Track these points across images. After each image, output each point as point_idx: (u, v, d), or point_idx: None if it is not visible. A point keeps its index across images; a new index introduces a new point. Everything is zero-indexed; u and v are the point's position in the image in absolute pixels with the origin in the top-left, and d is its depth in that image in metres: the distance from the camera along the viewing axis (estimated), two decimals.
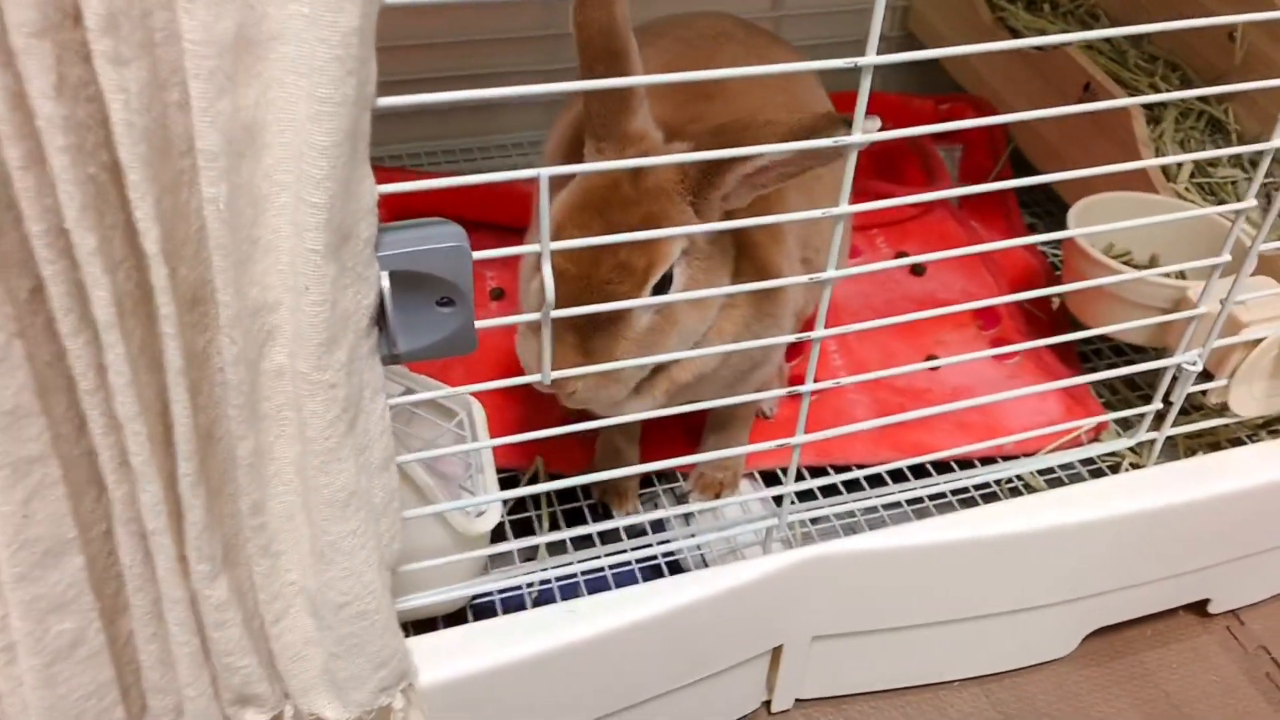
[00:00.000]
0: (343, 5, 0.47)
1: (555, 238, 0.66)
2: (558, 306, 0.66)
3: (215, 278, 0.50)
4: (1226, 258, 0.85)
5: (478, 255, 0.61)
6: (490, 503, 0.85)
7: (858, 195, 1.18)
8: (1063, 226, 1.09)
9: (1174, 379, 0.94)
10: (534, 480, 1.03)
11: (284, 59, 0.48)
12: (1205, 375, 0.98)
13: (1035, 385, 0.95)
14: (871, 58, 0.62)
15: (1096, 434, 1.09)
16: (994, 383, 1.14)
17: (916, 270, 1.27)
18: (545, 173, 0.60)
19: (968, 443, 1.02)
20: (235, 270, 0.51)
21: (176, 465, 0.54)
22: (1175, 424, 1.00)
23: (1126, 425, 1.08)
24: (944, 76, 1.51)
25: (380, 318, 0.61)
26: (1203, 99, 1.29)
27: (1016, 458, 1.06)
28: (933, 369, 1.16)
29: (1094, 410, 1.11)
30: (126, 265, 0.49)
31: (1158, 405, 0.95)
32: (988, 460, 1.06)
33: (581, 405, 0.76)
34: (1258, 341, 0.94)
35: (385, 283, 0.59)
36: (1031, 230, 1.36)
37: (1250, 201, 0.82)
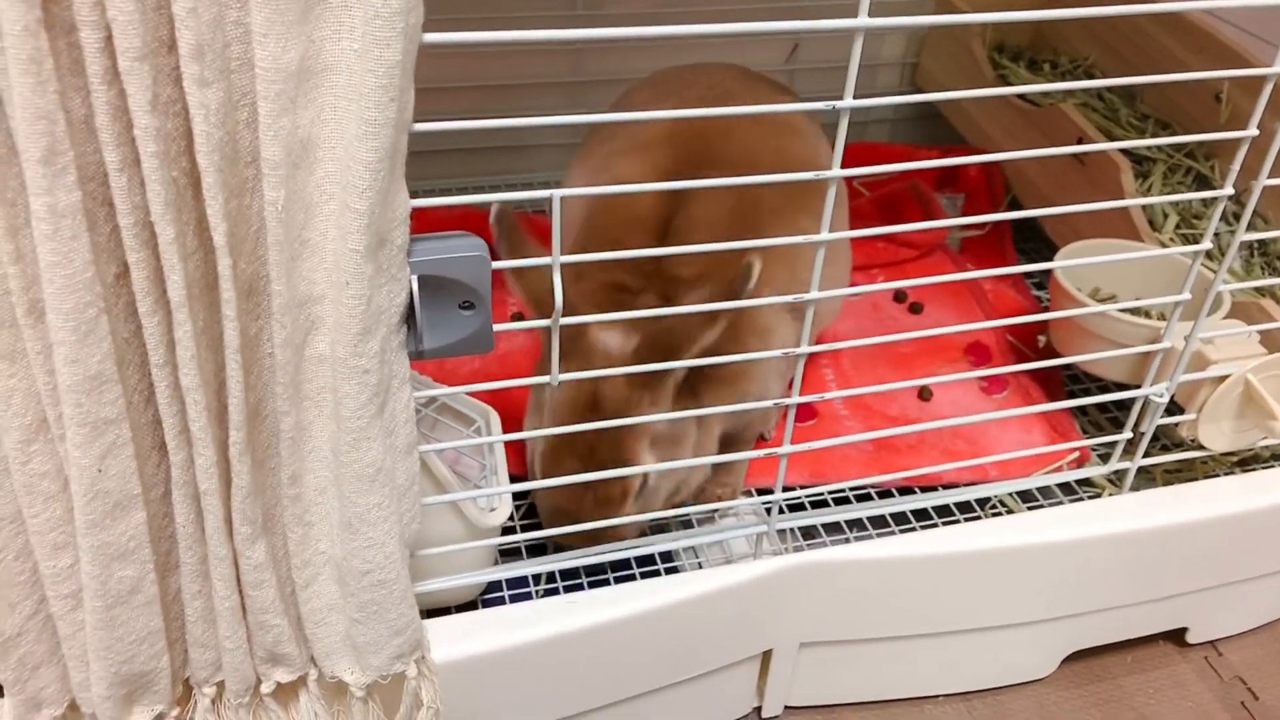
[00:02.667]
0: (388, 41, 0.56)
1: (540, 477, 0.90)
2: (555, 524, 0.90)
3: (270, 270, 0.59)
4: (1186, 296, 0.92)
5: (497, 265, 0.70)
6: (501, 493, 0.92)
7: (859, 242, 1.26)
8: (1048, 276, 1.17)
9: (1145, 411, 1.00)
10: None
11: (337, 86, 0.57)
12: (1178, 409, 1.04)
13: (1017, 409, 1.03)
14: (849, 102, 0.70)
15: (1079, 464, 1.16)
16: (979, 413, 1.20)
17: (914, 309, 1.34)
18: (558, 194, 0.69)
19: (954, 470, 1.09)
20: (287, 265, 0.59)
21: (228, 435, 0.63)
22: (1152, 456, 1.06)
23: (1107, 458, 1.15)
24: (950, 131, 1.60)
25: (409, 317, 0.69)
26: (1189, 155, 1.36)
27: (1000, 481, 1.12)
28: (924, 401, 1.23)
29: (1076, 441, 1.18)
30: (197, 256, 0.58)
31: (1128, 434, 1.01)
32: (974, 484, 1.13)
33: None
34: (1225, 379, 1.00)
35: (415, 285, 0.68)
36: (1028, 278, 1.43)
37: (1205, 244, 0.89)
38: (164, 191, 0.54)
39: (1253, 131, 0.82)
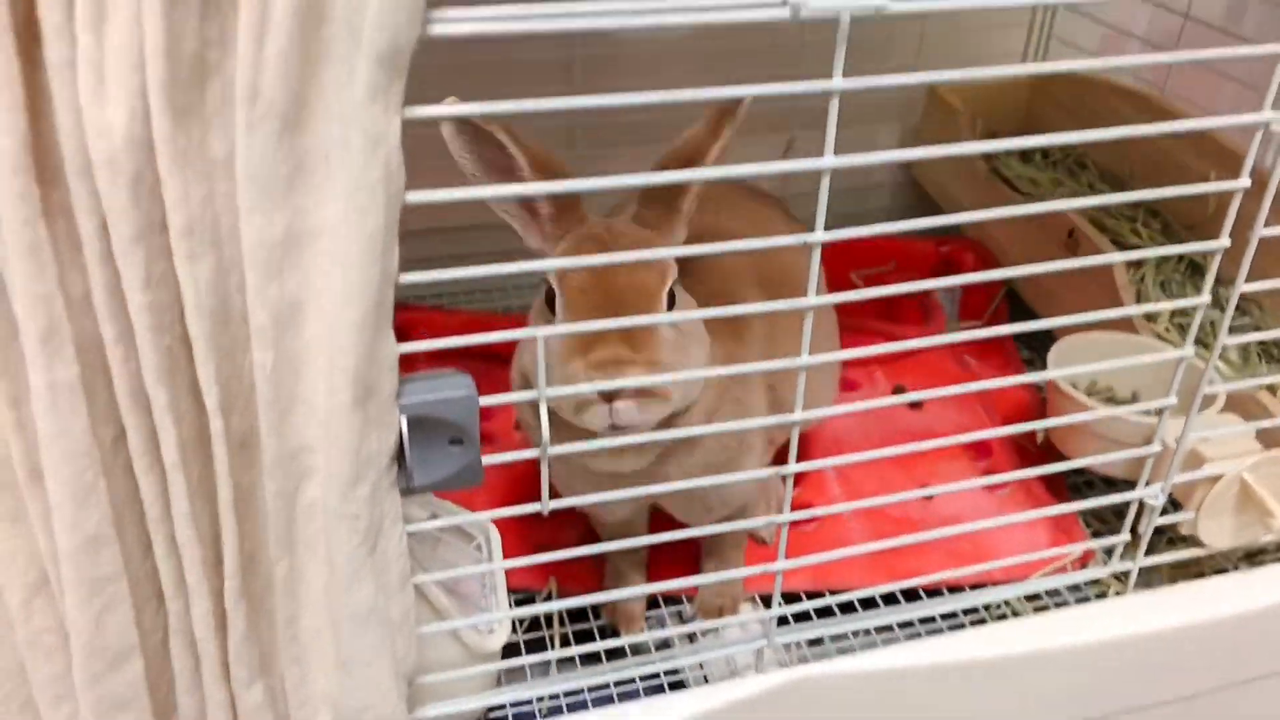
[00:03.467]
0: (369, 208, 0.59)
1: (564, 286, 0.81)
2: (583, 317, 0.78)
3: (262, 427, 0.61)
4: (1172, 400, 0.93)
5: (484, 400, 0.72)
6: (498, 620, 0.93)
7: (855, 333, 1.26)
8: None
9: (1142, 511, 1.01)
10: (548, 600, 1.11)
11: (322, 251, 0.60)
12: (1179, 506, 1.05)
13: (1020, 513, 1.03)
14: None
15: (1083, 563, 1.16)
16: (985, 513, 1.21)
17: (914, 404, 1.35)
18: (542, 332, 0.71)
19: (959, 569, 1.09)
20: (278, 421, 0.62)
21: (224, 582, 0.64)
22: (1158, 553, 1.06)
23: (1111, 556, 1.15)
24: (949, 226, 1.62)
25: (400, 455, 0.71)
26: (1185, 242, 1.38)
27: (1005, 584, 1.12)
28: (927, 499, 1.23)
29: (1080, 540, 1.18)
30: (190, 416, 0.60)
31: (1125, 537, 1.01)
32: (978, 587, 1.13)
33: (626, 423, 0.81)
34: (1220, 477, 1.01)
35: (404, 427, 0.70)
36: (1028, 365, 1.45)
37: (1187, 350, 0.90)
38: (157, 360, 0.56)
39: (1224, 242, 0.84)
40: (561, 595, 1.12)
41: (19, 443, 0.58)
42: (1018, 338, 1.50)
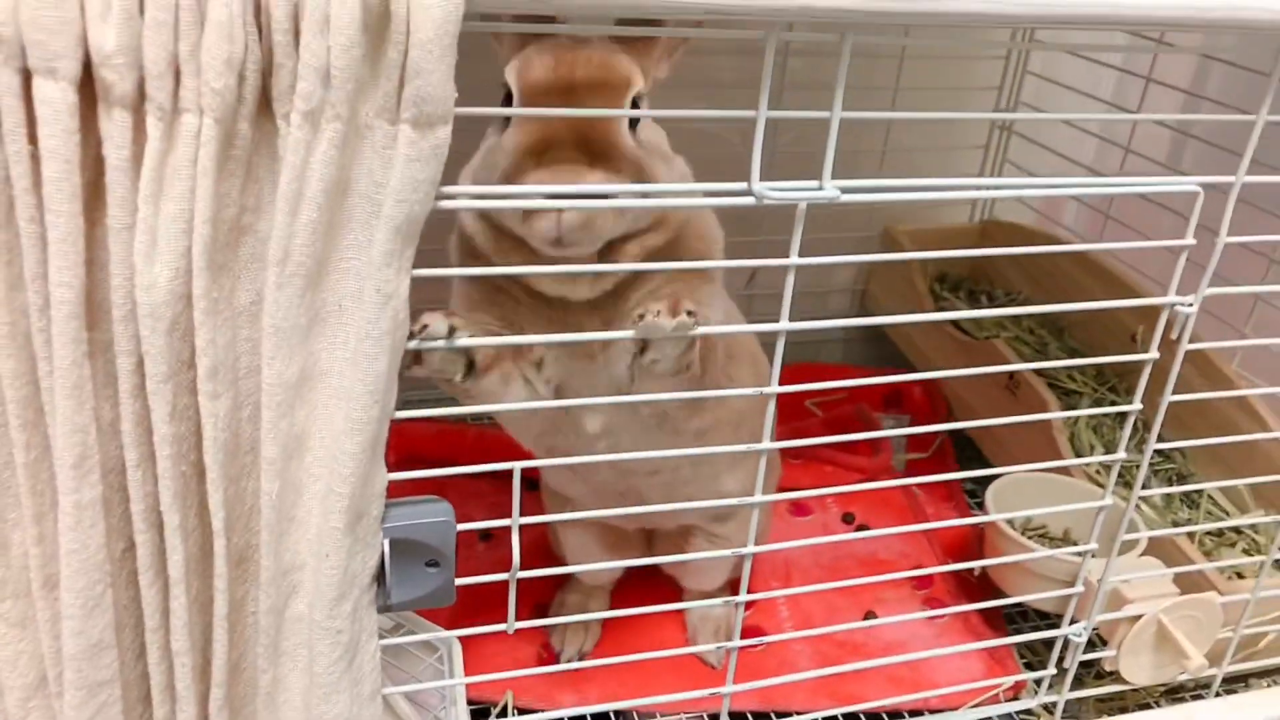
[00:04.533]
0: (376, 356, 0.66)
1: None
2: (545, 151, 0.75)
3: (261, 546, 0.68)
4: (1094, 546, 1.02)
5: (462, 527, 0.79)
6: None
7: (809, 460, 1.33)
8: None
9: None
10: (503, 713, 1.16)
11: (329, 389, 0.68)
12: (1105, 643, 1.13)
13: (957, 645, 1.11)
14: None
15: (1015, 693, 1.23)
16: (925, 640, 1.28)
17: (861, 528, 1.44)
18: (518, 465, 0.79)
19: (898, 695, 1.16)
20: (276, 542, 0.68)
21: (210, 690, 0.70)
22: (1088, 687, 1.14)
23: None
24: (899, 357, 1.73)
25: (380, 575, 0.78)
26: (1112, 390, 1.50)
27: (941, 712, 1.19)
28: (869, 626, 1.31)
29: (1013, 671, 1.25)
30: (196, 535, 0.67)
31: (1052, 670, 1.09)
32: (916, 713, 1.20)
33: (569, 233, 0.77)
34: (1140, 617, 1.09)
35: (386, 549, 0.77)
36: (970, 495, 1.54)
37: (1107, 500, 1.00)
38: (174, 485, 0.63)
39: (1136, 405, 0.95)
40: (517, 707, 1.17)
41: (38, 555, 0.64)
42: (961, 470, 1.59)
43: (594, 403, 0.92)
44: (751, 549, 0.92)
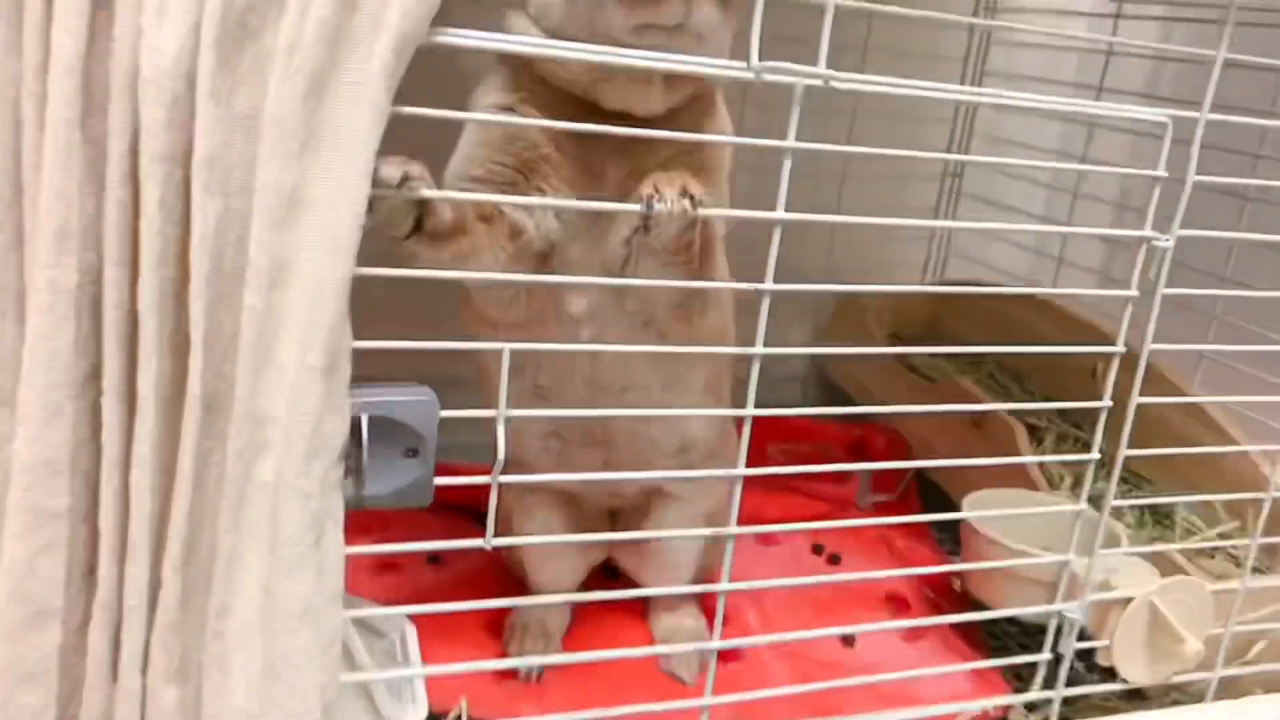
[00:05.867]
0: (359, 184, 0.65)
1: None
2: None
3: (237, 377, 0.64)
4: (1073, 549, 1.03)
5: (446, 414, 0.76)
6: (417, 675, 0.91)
7: (779, 490, 1.33)
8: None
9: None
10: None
11: (318, 220, 0.66)
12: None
13: (942, 664, 1.07)
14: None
15: (1005, 713, 1.19)
16: (908, 661, 1.24)
17: (833, 559, 1.41)
18: (508, 347, 0.77)
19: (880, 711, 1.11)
20: (252, 377, 0.65)
21: (166, 547, 0.65)
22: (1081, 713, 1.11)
23: (1031, 708, 1.18)
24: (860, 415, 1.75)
25: (350, 466, 0.74)
26: (1076, 425, 1.53)
27: None
28: (848, 647, 1.26)
29: (1001, 690, 1.21)
30: (168, 360, 0.63)
31: (1047, 655, 1.06)
32: None
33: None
34: (1131, 600, 1.08)
35: (365, 426, 0.73)
36: (936, 538, 1.53)
37: (1081, 504, 1.02)
38: (156, 288, 0.61)
39: (1094, 456, 1.01)
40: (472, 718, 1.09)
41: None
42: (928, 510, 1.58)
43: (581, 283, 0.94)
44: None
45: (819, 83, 0.78)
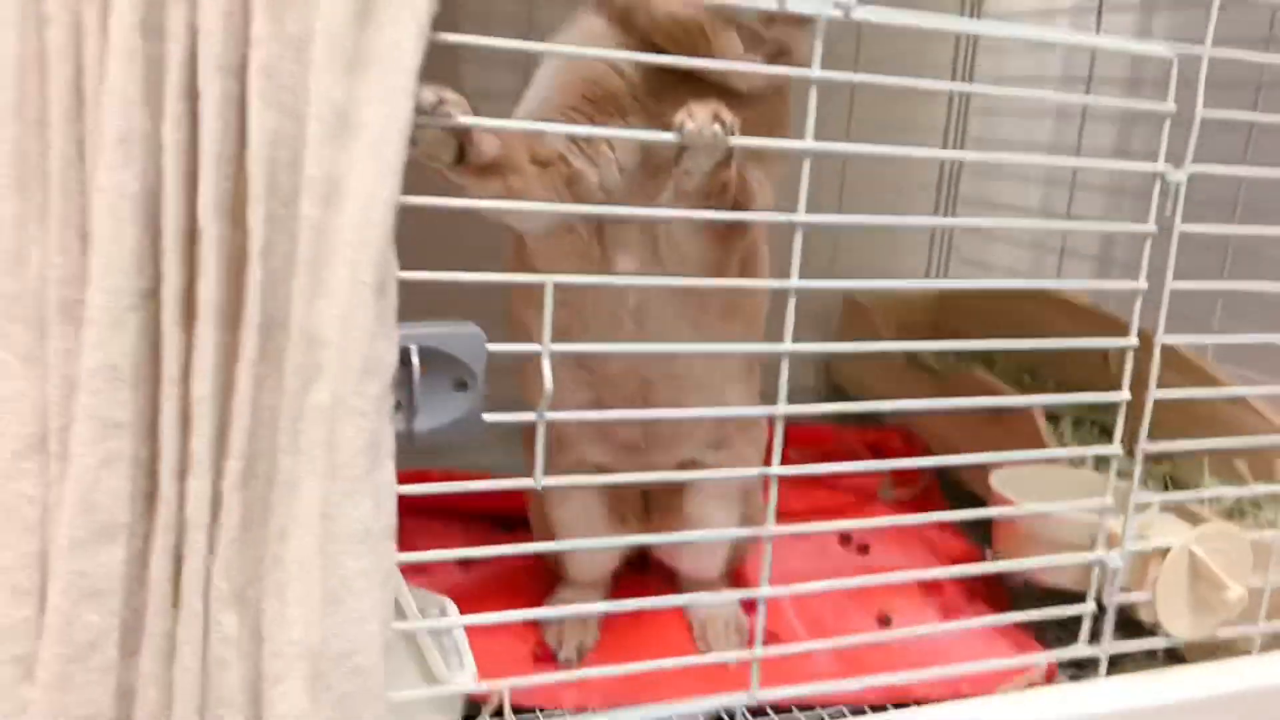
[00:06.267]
0: (404, 103, 0.67)
1: None
2: None
3: (294, 292, 0.65)
4: (1109, 500, 1.05)
5: (493, 348, 0.77)
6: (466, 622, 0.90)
7: (801, 483, 1.34)
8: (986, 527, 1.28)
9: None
10: (498, 713, 1.06)
11: (366, 142, 0.67)
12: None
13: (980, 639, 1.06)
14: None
15: (1049, 678, 1.17)
16: (943, 642, 1.23)
17: (862, 549, 1.41)
18: (551, 279, 0.78)
19: (920, 685, 1.10)
20: (308, 292, 0.66)
21: (227, 464, 0.65)
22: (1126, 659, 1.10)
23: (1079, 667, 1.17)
24: (871, 418, 1.76)
25: (401, 398, 0.74)
26: (1092, 409, 1.54)
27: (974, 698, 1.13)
28: (884, 626, 1.25)
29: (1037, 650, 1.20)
30: (229, 272, 0.64)
31: (1091, 606, 1.06)
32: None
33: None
34: (1169, 551, 1.08)
35: (415, 359, 0.74)
36: (961, 530, 1.52)
37: (1115, 448, 1.05)
38: (215, 195, 0.62)
39: (1115, 449, 1.03)
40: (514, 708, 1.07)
41: (59, 270, 0.60)
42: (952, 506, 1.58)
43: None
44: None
45: (842, 14, 0.81)
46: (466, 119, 0.75)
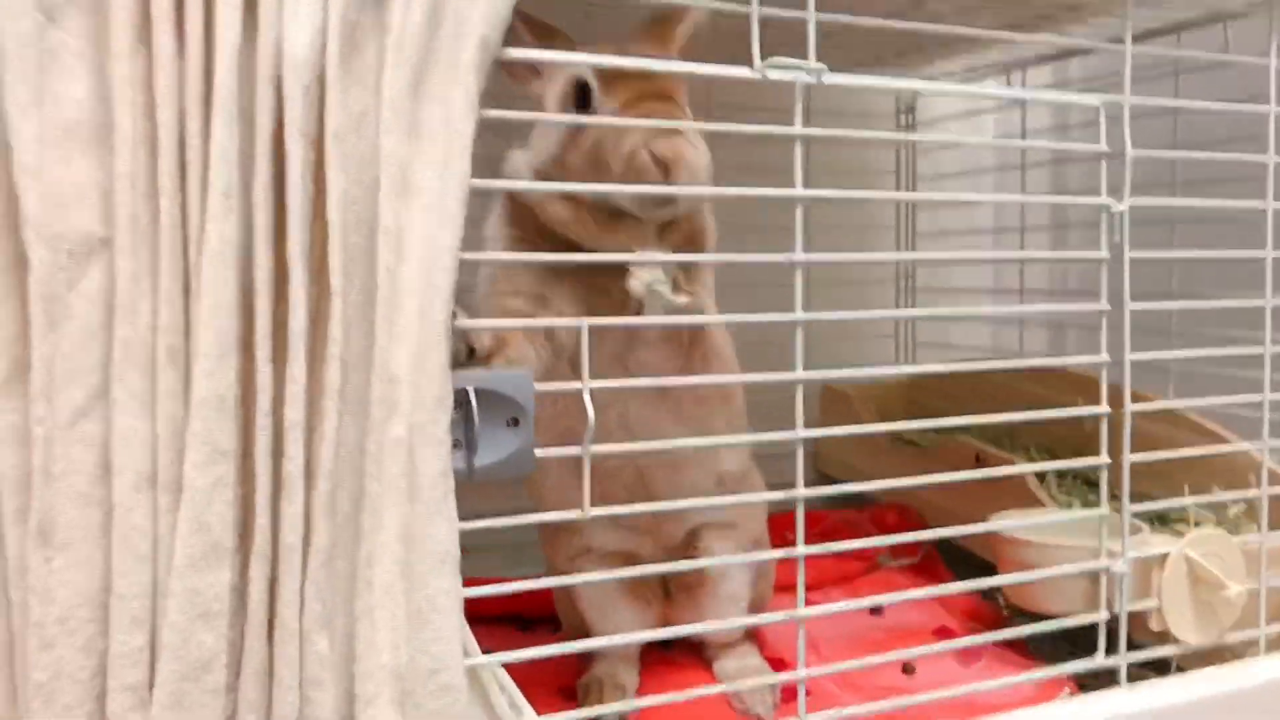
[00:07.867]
0: (458, 163, 0.78)
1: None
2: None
3: (376, 329, 0.73)
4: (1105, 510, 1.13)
5: (539, 387, 0.85)
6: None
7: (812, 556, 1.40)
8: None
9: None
10: None
11: (422, 205, 0.77)
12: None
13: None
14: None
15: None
16: (965, 683, 1.28)
17: (874, 611, 1.46)
18: (585, 323, 0.87)
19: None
20: (386, 330, 0.74)
21: (315, 484, 0.71)
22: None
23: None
24: (860, 499, 1.83)
25: (459, 437, 0.82)
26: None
27: None
28: (908, 675, 1.30)
29: (1061, 688, 1.25)
30: (312, 301, 0.72)
31: (1104, 613, 1.12)
32: None
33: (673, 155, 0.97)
34: (1167, 557, 1.16)
35: (473, 397, 0.82)
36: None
37: (1103, 509, 1.15)
38: (301, 240, 0.71)
39: (1103, 510, 1.14)
40: None
41: (168, 320, 0.68)
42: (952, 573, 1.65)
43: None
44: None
45: (814, 79, 0.94)
46: (466, 321, 0.86)
